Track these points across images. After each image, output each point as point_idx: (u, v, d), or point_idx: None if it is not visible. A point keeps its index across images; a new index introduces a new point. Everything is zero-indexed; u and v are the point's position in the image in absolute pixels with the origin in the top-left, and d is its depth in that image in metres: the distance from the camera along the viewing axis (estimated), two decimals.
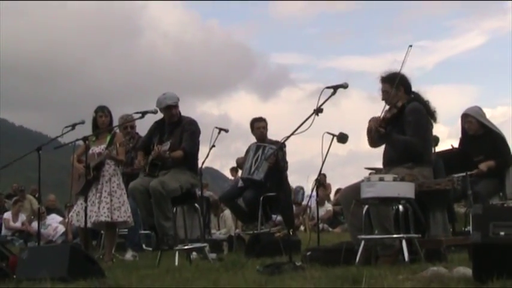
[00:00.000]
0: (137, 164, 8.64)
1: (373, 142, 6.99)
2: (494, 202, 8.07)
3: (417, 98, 6.89)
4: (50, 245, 11.71)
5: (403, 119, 6.70)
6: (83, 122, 8.23)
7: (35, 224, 13.61)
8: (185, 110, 8.39)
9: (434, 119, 6.88)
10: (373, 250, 6.43)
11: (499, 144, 8.13)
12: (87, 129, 8.43)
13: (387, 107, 6.90)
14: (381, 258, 6.32)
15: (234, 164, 13.29)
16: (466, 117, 8.31)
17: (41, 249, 7.29)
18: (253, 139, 10.35)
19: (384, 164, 6.94)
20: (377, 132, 6.74)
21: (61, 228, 14.54)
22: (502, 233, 4.42)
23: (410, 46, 6.71)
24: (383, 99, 6.92)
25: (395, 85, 6.80)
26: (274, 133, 10.35)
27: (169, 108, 8.13)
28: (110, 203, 8.18)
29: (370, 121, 6.85)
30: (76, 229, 10.72)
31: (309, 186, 17.11)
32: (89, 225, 7.93)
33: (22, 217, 15.68)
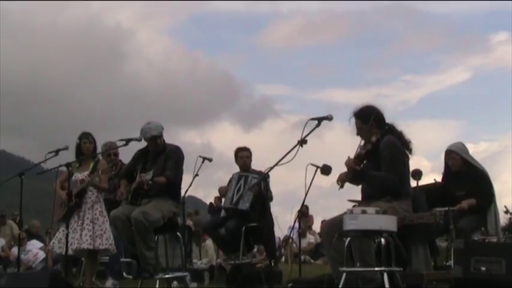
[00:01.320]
0: (119, 195, 8.60)
1: (343, 179, 6.96)
2: (476, 238, 8.08)
3: (391, 130, 6.90)
4: (29, 271, 11.61)
5: (378, 154, 6.71)
6: (66, 148, 8.21)
7: (14, 250, 13.50)
8: (169, 139, 8.37)
9: (410, 150, 6.89)
10: (355, 283, 6.42)
11: (481, 181, 8.15)
12: (70, 156, 8.40)
13: (362, 142, 6.92)
14: None
15: (217, 193, 13.26)
16: (450, 153, 8.35)
17: (20, 275, 7.24)
18: (236, 169, 10.34)
19: (362, 198, 6.93)
20: (352, 171, 6.72)
21: (41, 255, 14.40)
22: (483, 268, 4.44)
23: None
24: (357, 135, 6.94)
25: (366, 120, 6.81)
26: (257, 163, 10.33)
27: (154, 139, 8.14)
28: (92, 230, 8.12)
29: (345, 163, 6.85)
30: (57, 256, 10.64)
31: (292, 217, 17.12)
32: (70, 252, 7.88)
33: (2, 242, 15.52)
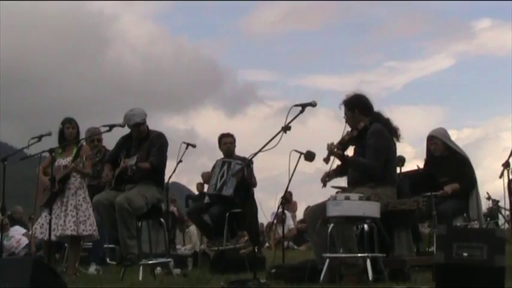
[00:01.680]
0: (105, 177, 8.56)
1: (326, 179, 7.03)
2: (458, 223, 8.13)
3: (378, 117, 6.95)
4: (12, 257, 11.55)
5: (365, 140, 6.75)
6: (49, 134, 8.17)
7: None
8: (152, 125, 8.36)
9: (397, 137, 6.94)
10: (338, 269, 6.45)
11: (463, 167, 8.19)
12: (53, 141, 8.37)
13: (349, 128, 6.98)
14: (345, 277, 6.34)
15: (200, 180, 13.25)
16: (431, 139, 8.38)
17: (3, 261, 7.19)
18: (220, 155, 10.34)
19: (348, 183, 6.98)
20: (334, 154, 6.76)
21: (24, 241, 14.33)
22: (465, 254, 4.47)
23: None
24: (346, 122, 7.00)
25: (351, 108, 6.92)
26: (240, 150, 10.34)
27: (137, 126, 8.11)
28: (76, 216, 8.10)
29: (327, 148, 6.89)
30: (40, 242, 10.60)
31: (276, 203, 17.12)
32: (53, 238, 7.87)
33: None
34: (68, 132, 8.41)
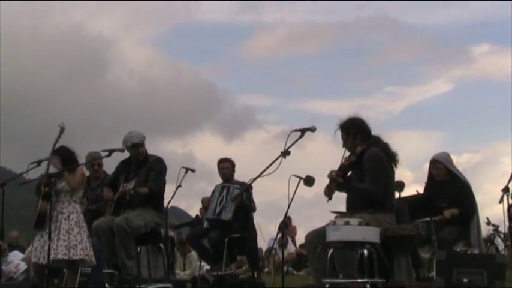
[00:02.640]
0: (106, 195, 8.52)
1: (330, 192, 6.97)
2: (458, 249, 8.11)
3: (376, 142, 6.92)
4: (11, 282, 11.54)
5: (362, 165, 6.73)
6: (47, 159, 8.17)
7: None
8: (150, 149, 8.36)
9: (396, 162, 6.91)
10: None
11: (463, 192, 8.19)
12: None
13: (347, 153, 6.95)
14: None
15: (200, 205, 13.22)
16: (435, 163, 8.37)
17: (2, 286, 7.18)
18: (218, 179, 10.34)
19: (347, 208, 6.96)
20: (335, 182, 6.74)
21: (23, 266, 14.27)
22: (465, 280, 4.46)
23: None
24: (343, 147, 6.96)
25: (350, 132, 6.85)
26: (239, 174, 10.34)
27: (136, 147, 8.13)
28: (68, 240, 8.06)
29: (328, 176, 6.88)
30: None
31: (275, 228, 17.11)
32: (45, 262, 7.88)
33: None
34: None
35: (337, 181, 6.70)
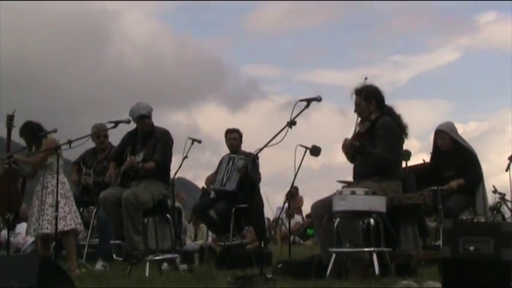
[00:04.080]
0: (108, 177, 8.59)
1: (351, 156, 7.00)
2: (464, 217, 8.13)
3: (390, 112, 6.91)
4: (19, 254, 11.58)
5: (374, 133, 6.73)
6: (55, 131, 8.18)
7: (4, 233, 13.45)
8: (155, 120, 8.33)
9: (406, 134, 6.90)
10: (344, 263, 6.46)
11: (470, 161, 8.19)
12: (59, 138, 8.37)
13: (359, 119, 6.94)
14: (351, 272, 6.34)
15: (205, 175, 13.24)
16: (440, 133, 8.36)
17: (10, 258, 7.21)
18: (225, 150, 10.35)
19: (354, 177, 6.96)
20: (352, 146, 6.74)
21: (31, 238, 14.35)
22: (472, 248, 4.46)
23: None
24: (355, 112, 6.95)
25: (367, 98, 6.83)
26: (245, 145, 10.33)
27: (143, 118, 8.10)
28: (51, 214, 8.07)
29: (344, 141, 6.88)
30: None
31: (282, 198, 17.16)
32: (40, 233, 8.02)
33: None
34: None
35: (355, 146, 6.70)
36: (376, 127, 6.73)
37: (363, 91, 6.88)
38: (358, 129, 6.89)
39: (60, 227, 8.01)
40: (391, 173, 6.71)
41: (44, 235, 8.18)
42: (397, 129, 6.80)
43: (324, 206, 6.58)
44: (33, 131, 8.41)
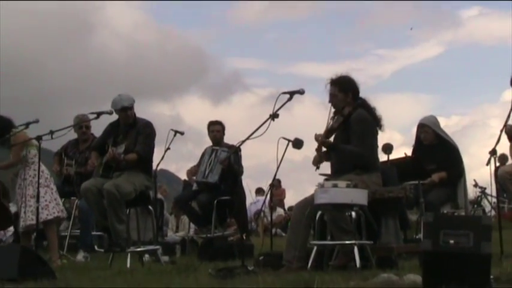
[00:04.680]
0: (91, 165, 8.55)
1: (318, 161, 6.96)
2: (445, 211, 8.17)
3: (363, 104, 6.90)
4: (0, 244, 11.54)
5: (348, 127, 6.73)
6: (37, 121, 8.14)
7: None
8: (138, 111, 8.33)
9: (380, 127, 6.89)
10: (326, 256, 6.48)
11: (452, 155, 8.23)
12: (41, 128, 8.33)
13: (332, 111, 6.91)
14: (338, 256, 6.40)
15: (188, 167, 13.23)
16: (422, 127, 8.40)
17: None
18: (208, 142, 10.35)
19: (332, 171, 6.95)
20: (324, 144, 6.73)
21: (11, 228, 14.28)
22: (452, 242, 4.49)
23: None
24: (329, 102, 6.91)
25: (344, 89, 6.79)
26: (228, 137, 10.34)
27: (125, 110, 8.08)
28: (33, 206, 8.05)
29: (315, 136, 6.87)
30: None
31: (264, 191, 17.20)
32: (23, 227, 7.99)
33: None
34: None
35: (327, 143, 6.69)
36: (350, 121, 6.71)
37: (340, 82, 6.85)
38: (331, 123, 6.86)
39: (43, 216, 8.00)
40: (369, 166, 6.72)
41: (29, 227, 8.14)
42: (371, 122, 6.78)
43: (306, 205, 6.54)
44: (3, 127, 8.34)
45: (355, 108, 6.77)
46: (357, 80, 6.96)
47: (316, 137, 6.76)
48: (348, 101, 6.81)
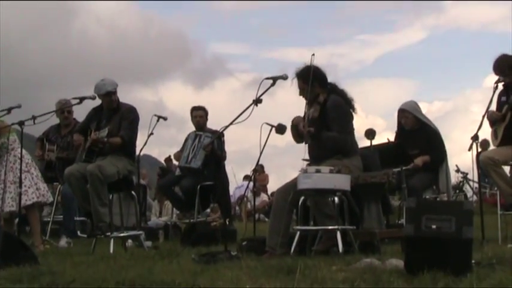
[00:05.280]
0: (76, 141, 8.42)
1: (299, 138, 6.97)
2: (427, 196, 8.21)
3: (334, 89, 6.91)
4: None
5: (326, 114, 6.73)
6: (19, 106, 8.09)
7: None
8: (120, 96, 8.26)
9: (353, 109, 6.91)
10: (309, 241, 6.51)
11: (433, 139, 8.26)
12: (23, 113, 8.29)
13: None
14: (322, 240, 6.45)
15: (170, 152, 13.24)
16: (402, 112, 8.43)
17: None
18: (191, 127, 10.34)
19: (311, 160, 6.95)
20: (308, 134, 6.72)
21: None
22: (434, 226, 4.51)
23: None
24: (300, 95, 6.93)
25: (309, 82, 6.77)
26: (211, 122, 10.34)
27: (109, 95, 8.05)
28: (16, 191, 8.02)
29: (294, 120, 6.87)
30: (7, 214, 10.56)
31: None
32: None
33: None
34: None
35: (309, 132, 6.68)
36: (327, 108, 6.72)
37: (304, 74, 6.84)
38: (308, 113, 6.87)
39: (22, 202, 7.96)
40: (349, 150, 6.75)
41: (8, 213, 8.11)
42: (346, 107, 6.82)
43: (288, 190, 6.54)
44: None
45: (328, 95, 6.78)
46: (321, 67, 6.95)
47: (301, 127, 6.72)
48: (318, 90, 6.81)
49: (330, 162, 6.52)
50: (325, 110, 6.72)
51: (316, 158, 6.84)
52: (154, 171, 18.98)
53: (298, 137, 6.95)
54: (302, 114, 6.89)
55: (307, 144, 6.90)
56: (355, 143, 6.98)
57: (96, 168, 7.62)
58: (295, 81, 6.89)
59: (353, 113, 6.90)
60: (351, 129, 6.85)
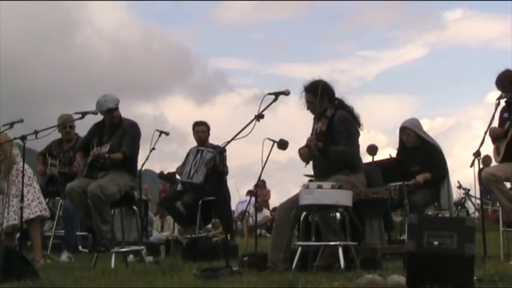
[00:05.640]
0: (76, 166, 8.52)
1: (308, 159, 6.96)
2: (429, 212, 8.21)
3: (341, 104, 6.93)
4: None
5: (333, 128, 6.74)
6: (21, 121, 8.10)
7: None
8: (121, 111, 8.25)
9: (359, 125, 6.93)
10: (310, 257, 6.50)
11: (435, 157, 8.27)
12: (25, 128, 8.29)
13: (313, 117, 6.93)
14: (323, 256, 6.43)
15: (172, 167, 13.20)
16: (404, 129, 8.44)
17: None
18: (192, 142, 10.34)
19: (317, 175, 6.94)
20: (316, 147, 6.71)
21: None
22: (436, 243, 4.51)
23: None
24: (307, 109, 6.95)
25: (320, 95, 6.77)
26: (213, 138, 10.34)
27: (110, 111, 8.06)
28: (16, 206, 8.01)
29: (308, 142, 6.87)
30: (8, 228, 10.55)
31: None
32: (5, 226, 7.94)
33: None
34: None
35: (319, 147, 6.67)
36: (334, 123, 6.74)
37: (313, 88, 6.85)
38: (316, 127, 6.88)
39: (25, 215, 7.95)
40: (356, 166, 6.76)
41: (11, 227, 8.10)
42: (353, 122, 6.84)
43: (292, 206, 6.53)
44: None
45: (336, 110, 6.80)
46: (329, 82, 6.98)
47: (308, 141, 6.74)
48: (326, 105, 6.83)
49: (336, 177, 6.51)
50: (333, 124, 6.73)
51: (322, 172, 6.82)
52: (156, 187, 18.96)
53: (310, 156, 6.91)
54: (304, 130, 6.90)
55: (312, 159, 6.90)
56: (360, 159, 7.00)
57: (98, 188, 7.61)
58: (304, 95, 6.91)
59: (359, 130, 6.91)
60: (357, 145, 6.86)
